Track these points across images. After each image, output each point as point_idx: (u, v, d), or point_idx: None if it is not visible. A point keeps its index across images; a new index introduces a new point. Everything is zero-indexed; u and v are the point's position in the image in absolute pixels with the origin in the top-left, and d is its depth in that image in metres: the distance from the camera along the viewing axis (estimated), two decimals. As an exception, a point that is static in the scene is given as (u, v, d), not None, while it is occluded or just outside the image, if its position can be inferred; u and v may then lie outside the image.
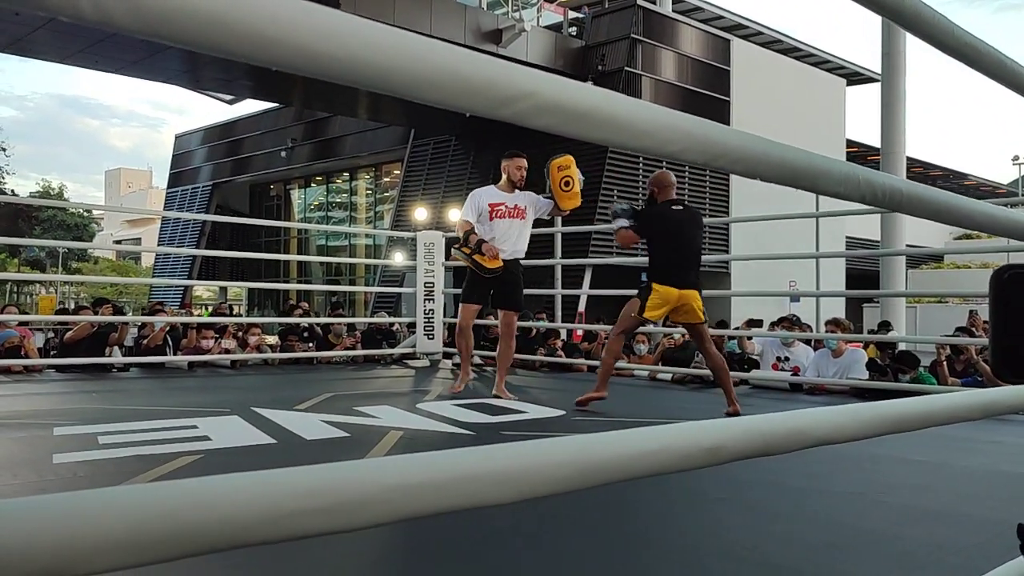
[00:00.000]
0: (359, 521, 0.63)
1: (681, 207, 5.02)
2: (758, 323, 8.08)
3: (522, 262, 5.62)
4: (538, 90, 0.70)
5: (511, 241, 5.49)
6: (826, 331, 6.81)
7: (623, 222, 4.96)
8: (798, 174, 0.97)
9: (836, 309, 19.75)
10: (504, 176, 5.57)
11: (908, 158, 18.83)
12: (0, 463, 3.23)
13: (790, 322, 7.56)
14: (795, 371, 6.68)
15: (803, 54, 28.29)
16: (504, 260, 5.38)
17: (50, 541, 0.49)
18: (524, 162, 5.59)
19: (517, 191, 5.56)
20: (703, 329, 5.02)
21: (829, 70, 28.00)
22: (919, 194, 1.18)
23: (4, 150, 33.13)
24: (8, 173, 33.46)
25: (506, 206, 5.48)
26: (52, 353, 7.90)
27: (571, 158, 5.47)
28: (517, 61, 18.73)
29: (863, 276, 24.63)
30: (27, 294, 40.51)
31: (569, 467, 0.75)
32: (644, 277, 4.99)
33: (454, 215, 9.55)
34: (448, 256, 7.82)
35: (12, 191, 34.48)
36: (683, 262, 4.87)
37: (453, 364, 8.14)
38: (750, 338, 7.33)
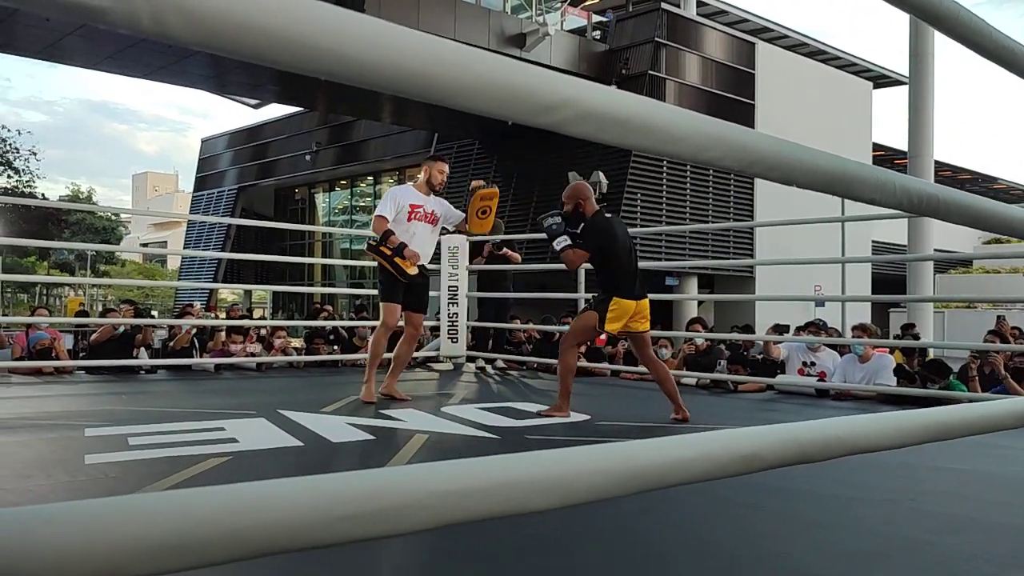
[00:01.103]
0: (405, 526, 0.63)
1: (611, 215, 4.91)
2: (785, 328, 8.02)
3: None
4: (578, 98, 0.71)
5: (423, 245, 5.38)
6: (853, 336, 6.75)
7: (564, 240, 4.74)
8: (833, 180, 0.97)
9: (862, 314, 19.59)
10: (425, 177, 5.44)
11: (936, 161, 18.63)
12: (33, 463, 3.28)
13: (816, 327, 7.50)
14: (821, 376, 6.62)
15: (829, 57, 28.08)
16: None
17: (107, 542, 0.50)
18: (447, 167, 5.53)
19: (432, 195, 5.48)
20: (648, 337, 4.97)
21: (856, 73, 27.77)
22: (956, 199, 1.17)
23: (35, 154, 33.56)
24: (38, 177, 33.86)
25: (423, 209, 5.37)
26: (81, 355, 8.00)
27: (496, 191, 5.51)
28: (541, 66, 18.78)
29: (890, 281, 24.37)
30: (56, 296, 41.05)
31: (611, 475, 0.76)
32: (600, 290, 4.85)
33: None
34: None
35: (42, 195, 34.92)
36: (634, 272, 4.80)
37: (477, 367, 8.15)
38: (777, 343, 7.28)
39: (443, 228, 5.68)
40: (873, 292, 22.45)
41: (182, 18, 0.48)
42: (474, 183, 5.63)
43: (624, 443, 0.79)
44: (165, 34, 0.48)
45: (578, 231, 4.81)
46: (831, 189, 0.98)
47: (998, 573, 2.12)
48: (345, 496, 0.61)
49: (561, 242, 4.75)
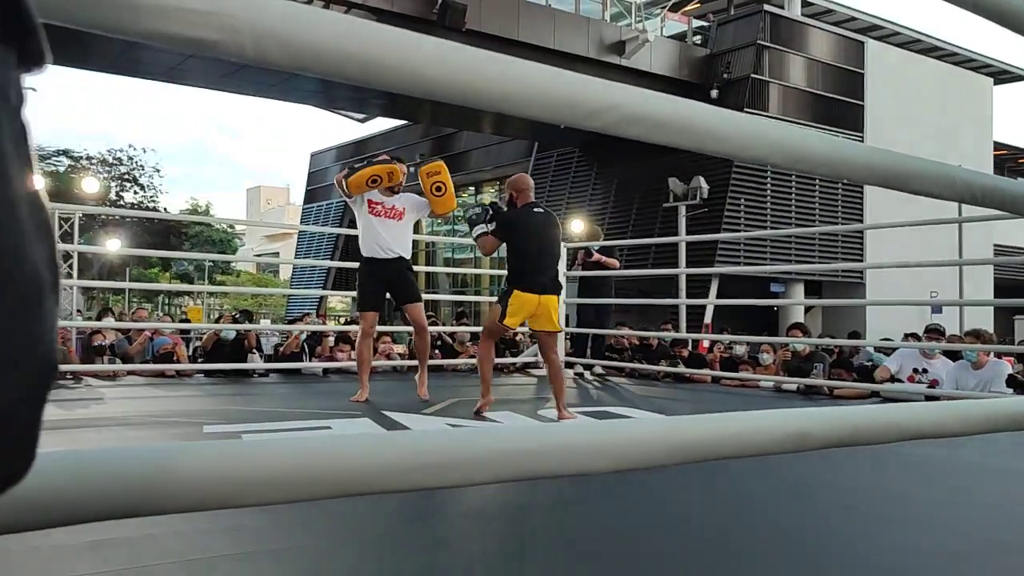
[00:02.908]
0: (467, 479, 0.72)
1: (540, 210, 4.92)
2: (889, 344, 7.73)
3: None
4: (622, 102, 0.79)
5: (390, 241, 5.53)
6: (966, 342, 6.49)
7: (481, 228, 4.90)
8: (887, 176, 1.01)
9: (984, 321, 18.69)
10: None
11: (1063, 159, 17.62)
12: (158, 455, 3.55)
13: (937, 332, 7.16)
14: (932, 384, 6.39)
15: (945, 53, 26.90)
16: (387, 259, 5.49)
17: (224, 476, 0.62)
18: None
19: (395, 195, 5.61)
20: (553, 338, 4.94)
21: (974, 69, 26.51)
22: (1022, 192, 1.19)
23: (159, 171, 35.69)
24: (161, 192, 36.00)
25: (383, 206, 5.54)
26: (200, 360, 8.48)
27: (441, 164, 5.56)
28: (641, 72, 18.68)
29: (1016, 287, 23.14)
30: (177, 305, 43.28)
31: (660, 444, 0.83)
32: (505, 283, 4.91)
33: (577, 226, 9.64)
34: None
35: (164, 209, 37.03)
36: (542, 267, 4.78)
37: (575, 373, 8.21)
38: (887, 353, 7.06)
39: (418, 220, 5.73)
40: (996, 298, 21.34)
41: (280, 47, 0.59)
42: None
43: (674, 417, 0.86)
44: (266, 60, 0.60)
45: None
46: (885, 184, 1.03)
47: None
48: (417, 449, 0.70)
49: (478, 229, 4.91)
